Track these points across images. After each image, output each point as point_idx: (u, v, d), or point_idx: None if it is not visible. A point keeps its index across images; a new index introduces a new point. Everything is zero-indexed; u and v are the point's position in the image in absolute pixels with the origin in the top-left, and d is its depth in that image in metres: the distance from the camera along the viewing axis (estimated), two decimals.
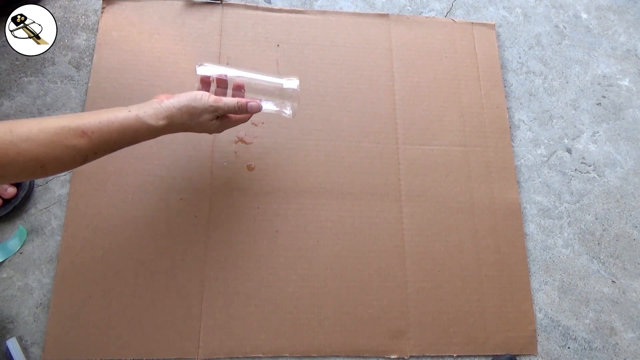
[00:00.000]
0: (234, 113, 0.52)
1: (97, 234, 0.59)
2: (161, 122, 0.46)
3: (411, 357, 0.60)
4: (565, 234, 0.69)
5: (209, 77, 0.53)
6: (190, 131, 0.51)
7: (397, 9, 0.78)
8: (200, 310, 0.58)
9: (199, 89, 0.52)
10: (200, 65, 0.53)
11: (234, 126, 0.55)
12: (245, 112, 0.52)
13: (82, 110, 0.64)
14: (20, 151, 0.39)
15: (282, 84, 0.55)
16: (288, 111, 0.56)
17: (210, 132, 0.52)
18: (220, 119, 0.52)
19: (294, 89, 0.55)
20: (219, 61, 0.69)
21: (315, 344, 0.59)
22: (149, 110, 0.46)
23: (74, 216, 0.60)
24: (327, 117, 0.69)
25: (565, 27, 0.81)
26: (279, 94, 0.55)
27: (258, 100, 0.53)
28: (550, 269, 0.67)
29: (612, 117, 0.76)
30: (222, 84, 0.54)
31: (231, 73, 0.54)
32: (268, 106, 0.56)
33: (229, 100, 0.51)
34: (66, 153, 0.41)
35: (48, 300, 0.57)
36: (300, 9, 0.74)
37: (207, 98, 0.49)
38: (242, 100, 0.52)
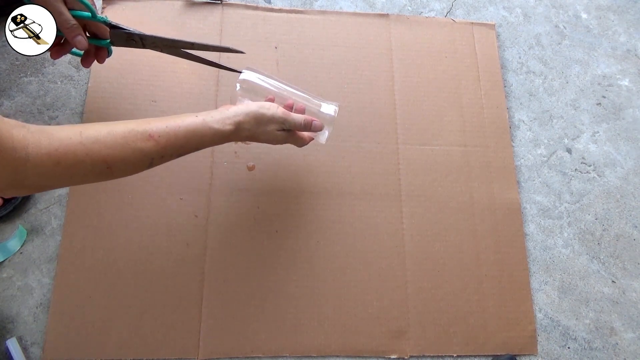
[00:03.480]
0: (298, 130, 0.52)
1: (97, 234, 0.59)
2: (228, 127, 0.47)
3: (411, 357, 0.60)
4: (565, 234, 0.69)
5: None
6: (254, 140, 0.51)
7: (397, 9, 0.78)
8: (200, 310, 0.58)
9: (240, 95, 0.53)
10: (247, 69, 0.54)
11: (295, 143, 0.55)
12: (309, 130, 0.53)
13: (82, 110, 0.65)
14: (89, 152, 0.40)
15: (322, 109, 0.55)
16: (323, 137, 0.56)
17: (275, 143, 0.53)
18: (288, 131, 0.52)
19: (332, 116, 0.54)
20: (219, 60, 0.69)
21: (315, 344, 0.59)
22: (216, 115, 0.47)
23: (74, 216, 0.60)
24: None
25: (565, 27, 0.81)
26: (317, 116, 0.55)
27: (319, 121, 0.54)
28: (550, 269, 0.67)
29: (612, 117, 0.76)
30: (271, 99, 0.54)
31: (275, 86, 0.54)
32: None
33: (296, 116, 0.51)
34: (132, 155, 0.42)
35: (48, 300, 0.57)
36: (300, 9, 0.74)
37: (276, 109, 0.50)
38: (308, 118, 0.52)
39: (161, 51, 0.55)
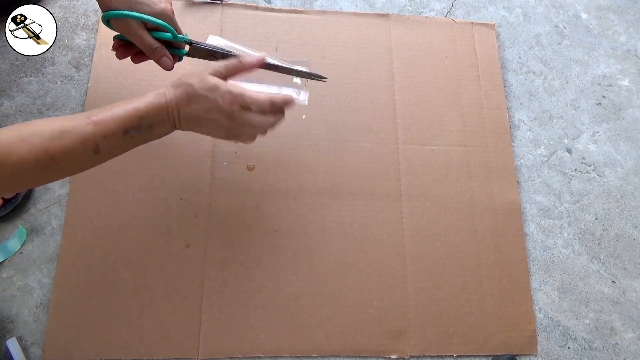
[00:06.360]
0: (232, 74, 0.48)
1: (97, 234, 0.59)
2: (170, 90, 0.45)
3: (411, 357, 0.60)
4: (565, 234, 0.69)
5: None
6: (208, 105, 0.47)
7: (397, 9, 0.78)
8: (200, 310, 0.58)
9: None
10: (212, 36, 0.53)
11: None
12: (281, 113, 0.49)
13: (82, 110, 0.64)
14: (30, 147, 0.39)
15: (293, 78, 0.54)
16: (302, 97, 0.56)
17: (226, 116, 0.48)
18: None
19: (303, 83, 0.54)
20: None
21: (315, 344, 0.59)
22: (159, 89, 0.46)
23: (74, 216, 0.60)
24: (327, 117, 0.69)
25: (565, 27, 0.81)
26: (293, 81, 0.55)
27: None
28: (550, 269, 0.67)
29: (612, 117, 0.76)
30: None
31: (239, 49, 0.53)
32: (284, 92, 0.55)
33: (260, 100, 0.47)
34: (74, 142, 0.41)
35: (48, 300, 0.57)
36: (300, 9, 0.74)
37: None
38: (275, 105, 0.48)
39: None
